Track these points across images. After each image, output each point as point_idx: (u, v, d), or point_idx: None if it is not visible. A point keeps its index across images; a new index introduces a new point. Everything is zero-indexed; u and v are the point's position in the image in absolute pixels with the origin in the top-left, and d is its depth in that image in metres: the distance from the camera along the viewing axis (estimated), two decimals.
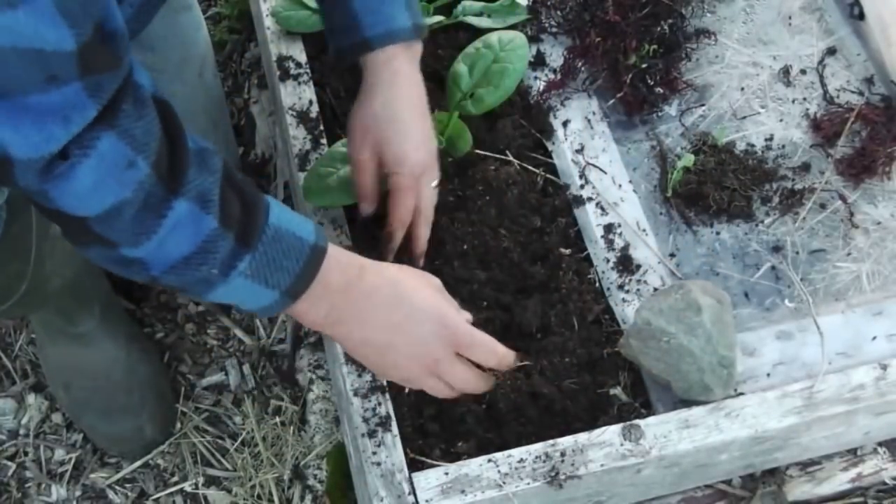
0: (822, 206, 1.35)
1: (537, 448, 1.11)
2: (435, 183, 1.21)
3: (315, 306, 1.02)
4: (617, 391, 1.20)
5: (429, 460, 1.11)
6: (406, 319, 1.06)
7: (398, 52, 1.16)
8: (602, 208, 1.32)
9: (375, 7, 1.14)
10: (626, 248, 1.29)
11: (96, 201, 0.85)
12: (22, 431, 1.51)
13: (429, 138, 1.19)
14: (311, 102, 1.36)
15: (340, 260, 1.02)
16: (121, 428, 1.45)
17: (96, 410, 1.45)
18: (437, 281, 1.12)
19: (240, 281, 0.95)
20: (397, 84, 1.16)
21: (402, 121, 1.15)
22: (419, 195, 1.18)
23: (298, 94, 1.37)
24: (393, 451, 1.10)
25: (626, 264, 1.28)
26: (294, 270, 0.98)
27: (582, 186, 1.34)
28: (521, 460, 1.10)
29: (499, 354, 1.10)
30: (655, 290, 1.26)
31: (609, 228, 1.31)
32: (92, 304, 1.42)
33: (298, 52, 1.41)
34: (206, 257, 0.92)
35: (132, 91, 0.85)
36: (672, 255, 1.31)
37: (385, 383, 1.15)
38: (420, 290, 1.07)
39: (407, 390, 1.17)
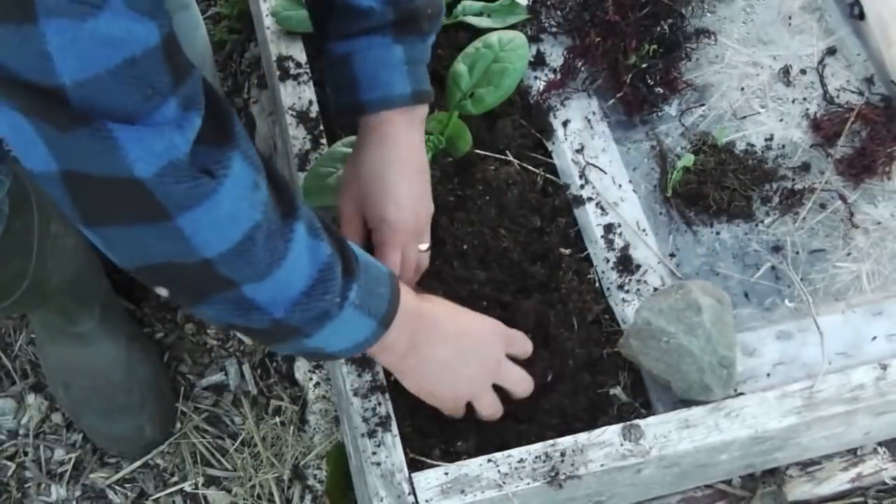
0: (822, 206, 1.35)
1: (537, 448, 1.11)
2: (424, 247, 1.19)
3: (402, 333, 1.02)
4: (617, 391, 1.20)
5: (429, 460, 1.11)
6: (470, 321, 1.12)
7: (393, 117, 1.14)
8: (602, 208, 1.32)
9: (373, 73, 1.12)
10: (626, 248, 1.29)
11: (232, 230, 0.83)
12: (22, 431, 1.51)
13: (416, 201, 1.16)
14: (310, 102, 1.36)
15: (400, 283, 1.04)
16: (121, 428, 1.45)
17: (96, 410, 1.45)
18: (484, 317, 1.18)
19: (349, 312, 0.94)
20: (387, 147, 1.14)
21: (387, 181, 1.13)
22: (404, 255, 1.16)
23: (298, 94, 1.37)
24: (393, 451, 1.10)
25: (626, 264, 1.28)
26: (386, 296, 0.99)
27: (582, 186, 1.34)
28: (521, 460, 1.10)
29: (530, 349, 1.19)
30: (655, 290, 1.26)
31: (609, 228, 1.31)
32: (92, 303, 1.42)
33: (298, 52, 1.41)
34: (326, 286, 0.91)
35: (225, 108, 0.84)
36: (672, 255, 1.31)
37: (385, 383, 1.15)
38: (467, 314, 1.15)
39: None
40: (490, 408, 1.14)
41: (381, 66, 1.12)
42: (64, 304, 1.38)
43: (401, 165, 1.14)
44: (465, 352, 1.10)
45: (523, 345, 1.18)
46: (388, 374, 1.16)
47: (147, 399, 1.45)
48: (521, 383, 1.16)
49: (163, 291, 0.89)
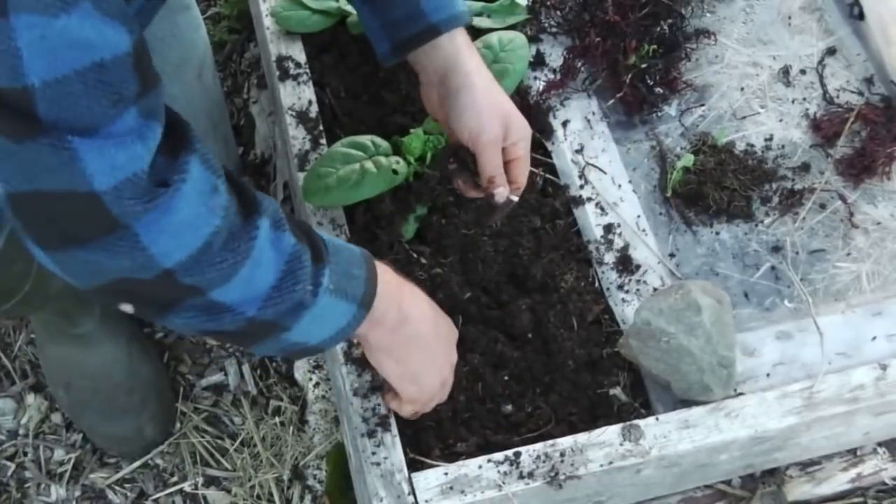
0: (822, 207, 1.35)
1: (537, 448, 1.11)
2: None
3: (387, 312, 1.01)
4: (617, 391, 1.19)
5: (428, 460, 1.11)
6: (434, 309, 1.11)
7: (457, 37, 1.16)
8: (602, 208, 1.32)
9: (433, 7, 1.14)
10: (625, 248, 1.29)
11: (191, 236, 0.81)
12: (21, 431, 1.50)
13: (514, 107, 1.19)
14: (310, 102, 1.36)
15: (378, 262, 1.02)
16: (121, 428, 1.44)
17: (97, 411, 1.45)
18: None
19: (326, 299, 0.92)
20: (479, 61, 1.17)
21: (491, 92, 1.15)
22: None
23: (298, 94, 1.37)
24: (392, 451, 1.10)
25: (625, 264, 1.28)
26: (362, 276, 0.97)
27: (582, 186, 1.34)
28: (521, 460, 1.10)
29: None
30: (655, 290, 1.26)
31: (609, 228, 1.31)
32: (92, 304, 1.42)
33: (298, 52, 1.41)
34: (296, 276, 0.89)
35: (182, 119, 0.83)
36: (672, 255, 1.31)
37: (384, 381, 1.15)
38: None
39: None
40: (444, 397, 1.13)
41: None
42: (64, 306, 1.38)
43: (485, 78, 1.16)
44: (441, 334, 1.09)
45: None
46: None
47: (148, 400, 1.45)
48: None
49: (127, 308, 0.87)
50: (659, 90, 1.42)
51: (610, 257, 1.29)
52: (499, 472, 1.09)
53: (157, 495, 1.45)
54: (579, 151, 1.37)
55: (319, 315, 0.93)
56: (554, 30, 1.48)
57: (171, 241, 0.80)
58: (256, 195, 0.89)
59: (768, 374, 1.21)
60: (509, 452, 1.10)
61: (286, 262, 0.88)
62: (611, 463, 1.10)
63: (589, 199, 1.33)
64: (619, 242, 1.30)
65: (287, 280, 0.88)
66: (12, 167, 0.74)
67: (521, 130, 1.16)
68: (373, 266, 1.00)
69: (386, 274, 1.02)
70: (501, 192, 1.15)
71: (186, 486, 1.45)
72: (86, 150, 0.73)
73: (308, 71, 1.39)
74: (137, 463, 1.47)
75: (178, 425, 1.50)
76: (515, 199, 1.17)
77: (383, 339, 1.05)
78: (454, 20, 1.15)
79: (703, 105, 1.44)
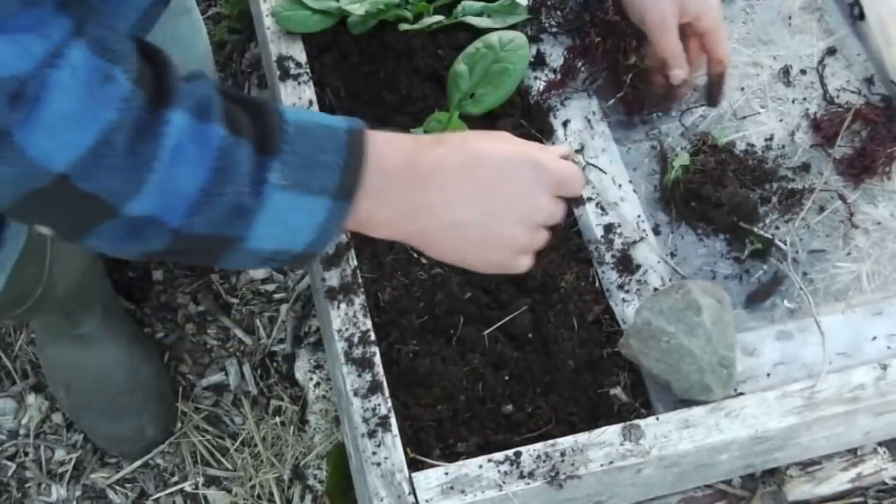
0: (822, 207, 1.35)
1: (537, 448, 1.11)
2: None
3: (381, 201, 0.84)
4: (617, 391, 1.20)
5: (429, 460, 1.11)
6: (498, 176, 0.88)
7: None
8: (602, 208, 1.32)
9: None
10: (626, 248, 1.29)
11: (76, 134, 0.70)
12: (22, 431, 1.51)
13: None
14: (311, 102, 1.36)
15: (386, 137, 0.85)
16: (122, 429, 1.44)
17: (98, 411, 1.44)
18: (504, 133, 0.94)
19: (278, 198, 0.78)
20: None
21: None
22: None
23: (298, 94, 1.37)
24: (393, 451, 1.10)
25: (626, 264, 1.28)
26: (337, 162, 0.81)
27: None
28: (521, 460, 1.10)
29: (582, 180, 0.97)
30: (655, 290, 1.26)
31: (609, 228, 1.31)
32: (94, 305, 1.42)
33: (298, 52, 1.41)
34: (227, 176, 0.75)
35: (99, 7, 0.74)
36: (672, 255, 1.31)
37: (384, 381, 1.15)
38: (491, 140, 0.90)
39: None
40: (543, 241, 0.95)
41: None
42: (67, 307, 1.38)
43: None
44: (495, 212, 0.88)
45: (577, 185, 0.95)
46: (386, 368, 1.16)
47: (149, 400, 1.45)
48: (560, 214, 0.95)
49: (44, 230, 0.78)
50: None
51: (610, 257, 1.29)
52: (499, 471, 1.09)
53: (158, 495, 1.46)
54: (580, 151, 1.37)
55: (278, 217, 0.80)
56: (554, 30, 1.48)
57: (50, 140, 0.70)
58: (171, 80, 0.75)
59: (768, 374, 1.21)
60: (510, 452, 1.10)
61: (215, 157, 0.75)
62: (611, 463, 1.10)
63: (589, 199, 1.33)
64: (619, 242, 1.30)
65: (216, 182, 0.75)
66: None
67: (700, 3, 1.09)
68: (358, 145, 0.82)
69: (387, 149, 0.84)
70: (676, 74, 1.10)
71: (187, 486, 1.45)
72: None
73: (308, 71, 1.39)
74: (138, 463, 1.47)
75: (178, 425, 1.50)
76: (723, 71, 1.14)
77: (398, 235, 0.89)
78: None
79: (703, 105, 1.44)
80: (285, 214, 0.80)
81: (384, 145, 0.85)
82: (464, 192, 0.87)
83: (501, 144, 0.90)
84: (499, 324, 1.24)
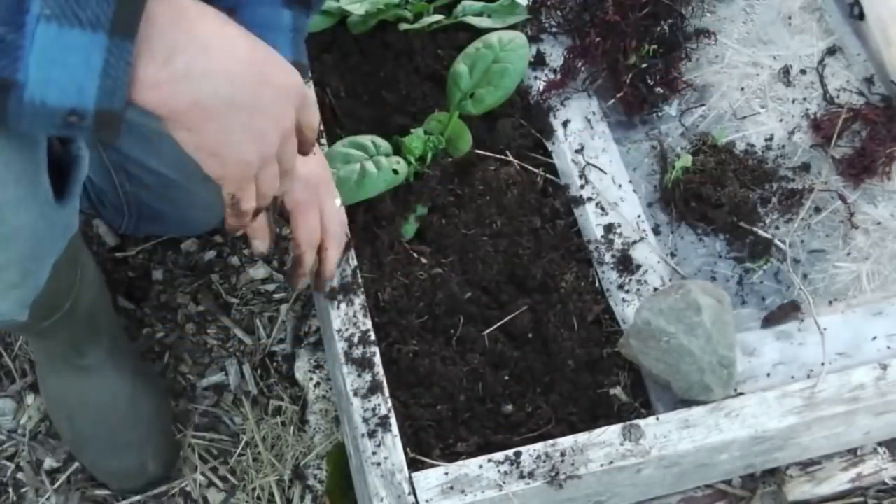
0: (822, 207, 1.35)
1: (537, 448, 1.11)
2: (339, 202, 1.15)
3: (154, 52, 0.77)
4: (617, 391, 1.20)
5: (429, 460, 1.11)
6: (267, 57, 0.86)
7: None
8: (602, 208, 1.32)
9: (258, 32, 0.93)
10: (626, 248, 1.29)
11: None
12: (20, 431, 1.50)
13: (317, 153, 1.10)
14: None
15: None
16: (124, 463, 1.42)
17: (99, 445, 1.43)
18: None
19: (44, 30, 0.72)
20: None
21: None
22: (322, 211, 1.10)
23: None
24: (393, 451, 1.10)
25: (626, 264, 1.28)
26: None
27: (582, 186, 1.34)
28: (521, 460, 1.10)
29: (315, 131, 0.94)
30: (655, 290, 1.26)
31: (609, 228, 1.31)
32: (101, 335, 1.40)
33: None
34: None
35: None
36: (672, 255, 1.31)
37: (384, 381, 1.15)
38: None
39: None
40: (271, 184, 0.91)
41: (267, 27, 1.01)
42: (76, 335, 1.37)
43: None
44: (262, 97, 0.84)
45: (313, 114, 0.93)
46: (386, 368, 1.16)
47: (151, 434, 1.43)
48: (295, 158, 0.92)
49: None
50: (659, 90, 1.42)
51: (610, 257, 1.29)
52: (499, 471, 1.09)
53: (158, 492, 1.45)
54: (579, 151, 1.37)
55: (51, 57, 0.73)
56: (554, 30, 1.49)
57: None
58: None
59: (768, 374, 1.21)
60: (510, 452, 1.10)
61: None
62: (611, 463, 1.10)
63: (589, 199, 1.33)
64: (619, 242, 1.30)
65: None
66: None
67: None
68: None
69: (164, 5, 0.77)
70: (256, 245, 1.06)
71: (187, 487, 1.45)
72: None
73: (308, 71, 1.39)
74: (138, 497, 1.46)
75: (178, 425, 1.50)
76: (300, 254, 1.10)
77: (165, 98, 0.80)
78: None
79: (703, 105, 1.44)
80: (57, 53, 0.73)
81: None
82: (244, 69, 0.83)
83: (272, 56, 0.88)
84: (499, 324, 1.24)
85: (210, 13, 0.81)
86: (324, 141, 1.33)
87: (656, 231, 1.32)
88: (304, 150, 0.95)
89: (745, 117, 1.43)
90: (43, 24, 0.72)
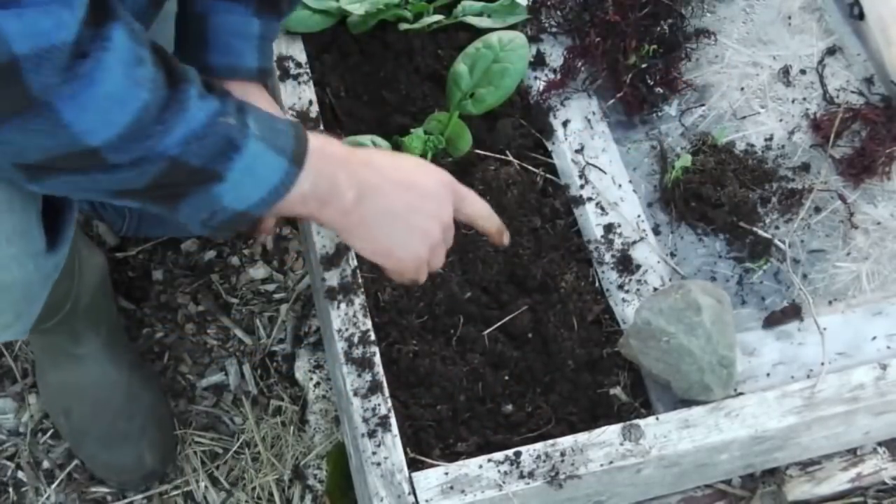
0: (822, 207, 1.35)
1: (537, 448, 1.11)
2: None
3: (322, 179, 0.93)
4: (617, 391, 1.20)
5: (429, 460, 1.11)
6: (412, 168, 1.02)
7: (248, 88, 1.15)
8: (602, 208, 1.32)
9: (226, 39, 1.11)
10: (626, 248, 1.29)
11: (118, 112, 0.76)
12: (22, 430, 1.50)
13: None
14: (311, 102, 1.36)
15: (317, 134, 0.96)
16: (121, 456, 1.43)
17: (96, 438, 1.43)
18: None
19: (254, 146, 0.87)
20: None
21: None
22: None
23: (298, 94, 1.37)
24: (393, 451, 1.10)
25: (626, 264, 1.28)
26: (289, 131, 0.91)
27: (582, 186, 1.34)
28: (521, 460, 1.10)
29: (492, 215, 1.10)
30: (655, 290, 1.26)
31: (609, 228, 1.31)
32: (99, 325, 1.41)
33: (298, 52, 1.41)
34: (225, 113, 0.85)
35: None
36: (672, 255, 1.31)
37: (384, 381, 1.15)
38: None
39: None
40: (439, 262, 1.07)
41: (236, 35, 1.11)
42: (74, 323, 1.38)
43: None
44: (414, 202, 1.00)
45: (475, 204, 1.08)
46: (386, 368, 1.16)
47: (147, 427, 1.43)
48: (485, 218, 1.09)
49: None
50: (659, 90, 1.42)
51: (610, 257, 1.29)
52: (499, 471, 1.09)
53: (159, 489, 1.45)
54: (579, 151, 1.37)
55: (251, 165, 0.87)
56: (554, 30, 1.49)
57: (96, 118, 0.76)
58: (181, 64, 0.85)
59: (768, 374, 1.21)
60: (509, 452, 1.10)
61: (209, 115, 0.85)
62: (611, 462, 1.10)
63: (589, 199, 1.33)
64: (619, 242, 1.30)
65: (213, 121, 0.84)
66: None
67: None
68: (301, 129, 0.93)
69: (321, 139, 0.95)
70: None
71: (187, 486, 1.45)
72: (5, 17, 0.69)
73: (308, 71, 1.39)
74: (139, 496, 1.46)
75: (178, 425, 1.50)
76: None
77: (338, 220, 0.98)
78: (232, 71, 1.12)
79: (703, 105, 1.44)
80: (256, 163, 0.88)
81: (322, 137, 0.95)
82: (392, 178, 0.98)
83: (418, 165, 1.05)
84: (499, 324, 1.24)
85: (359, 156, 0.98)
86: None
87: (656, 231, 1.32)
88: (494, 241, 1.12)
89: (744, 117, 1.43)
90: (255, 140, 0.87)
